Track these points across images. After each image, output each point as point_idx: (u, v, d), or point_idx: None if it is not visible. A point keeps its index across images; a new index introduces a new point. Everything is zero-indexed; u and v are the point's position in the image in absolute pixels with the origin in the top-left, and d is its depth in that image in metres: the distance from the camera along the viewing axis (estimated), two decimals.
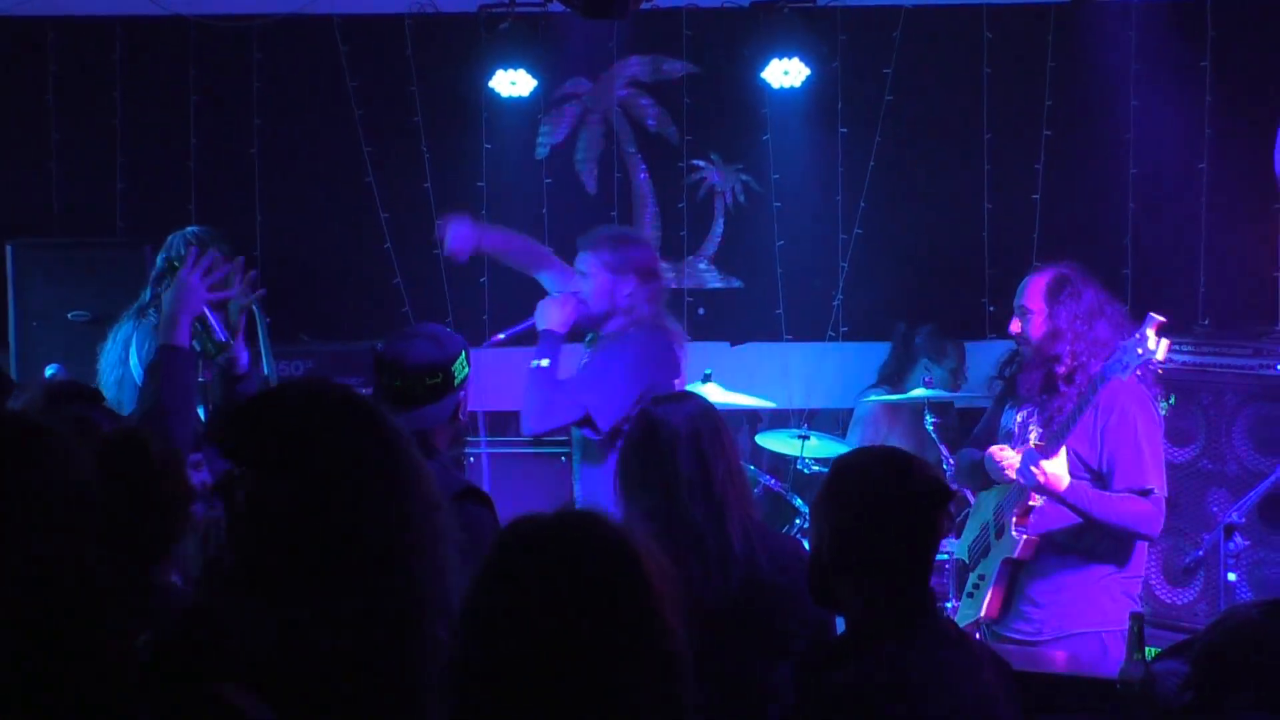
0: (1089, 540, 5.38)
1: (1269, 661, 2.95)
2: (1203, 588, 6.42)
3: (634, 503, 4.13)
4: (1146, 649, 3.93)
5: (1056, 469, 5.23)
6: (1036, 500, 5.38)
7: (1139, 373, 5.16)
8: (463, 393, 4.40)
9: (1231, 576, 5.37)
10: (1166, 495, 5.34)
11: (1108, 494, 5.26)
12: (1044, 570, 5.45)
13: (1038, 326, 5.46)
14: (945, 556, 6.62)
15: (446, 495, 4.12)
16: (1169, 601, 6.58)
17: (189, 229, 6.13)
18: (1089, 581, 5.41)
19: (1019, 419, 5.52)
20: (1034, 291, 5.48)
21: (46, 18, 8.30)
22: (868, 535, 3.18)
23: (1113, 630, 5.33)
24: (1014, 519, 5.43)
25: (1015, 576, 5.48)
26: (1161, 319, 5.06)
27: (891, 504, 3.19)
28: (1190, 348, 6.70)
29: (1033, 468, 5.19)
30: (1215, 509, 6.37)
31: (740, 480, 4.25)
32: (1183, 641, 3.43)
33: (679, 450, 4.08)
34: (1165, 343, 5.05)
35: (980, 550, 5.68)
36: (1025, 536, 5.40)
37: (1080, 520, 5.32)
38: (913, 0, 8.37)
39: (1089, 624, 5.40)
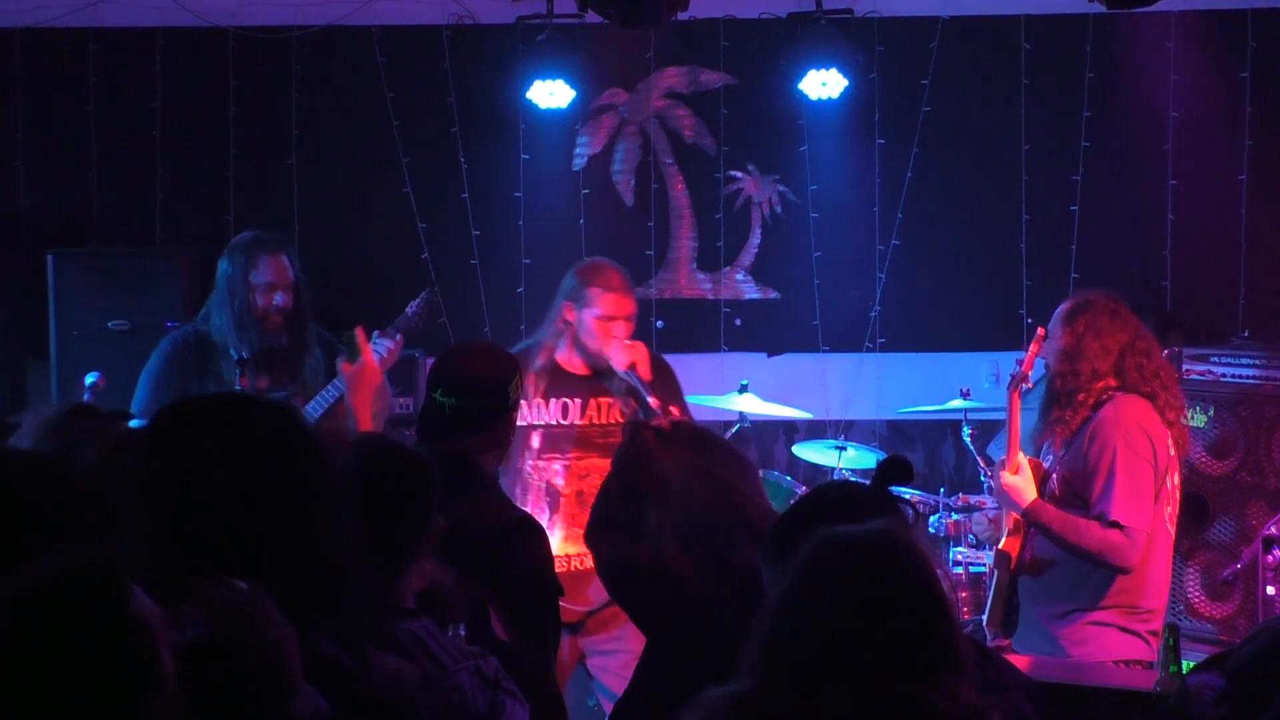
0: (1095, 581, 5.26)
1: None
2: (1241, 601, 6.38)
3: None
4: (1183, 662, 3.91)
5: (1017, 483, 5.18)
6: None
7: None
8: (515, 414, 4.34)
9: (1270, 590, 5.33)
10: (1145, 528, 5.06)
11: (1074, 517, 5.11)
12: (1055, 608, 5.33)
13: (1051, 352, 5.42)
14: (982, 569, 6.62)
15: (496, 525, 3.96)
16: (1208, 615, 6.54)
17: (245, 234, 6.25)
18: (1097, 620, 5.27)
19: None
20: (1054, 317, 5.45)
21: (87, 28, 8.34)
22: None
23: (1123, 660, 5.26)
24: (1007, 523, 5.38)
25: (1015, 585, 5.41)
26: (1042, 330, 5.24)
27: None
28: (1230, 359, 6.66)
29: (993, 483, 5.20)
30: (1254, 522, 6.33)
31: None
32: (1218, 655, 3.41)
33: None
34: (1031, 353, 5.29)
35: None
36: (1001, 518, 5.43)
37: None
38: (950, 11, 8.35)
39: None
